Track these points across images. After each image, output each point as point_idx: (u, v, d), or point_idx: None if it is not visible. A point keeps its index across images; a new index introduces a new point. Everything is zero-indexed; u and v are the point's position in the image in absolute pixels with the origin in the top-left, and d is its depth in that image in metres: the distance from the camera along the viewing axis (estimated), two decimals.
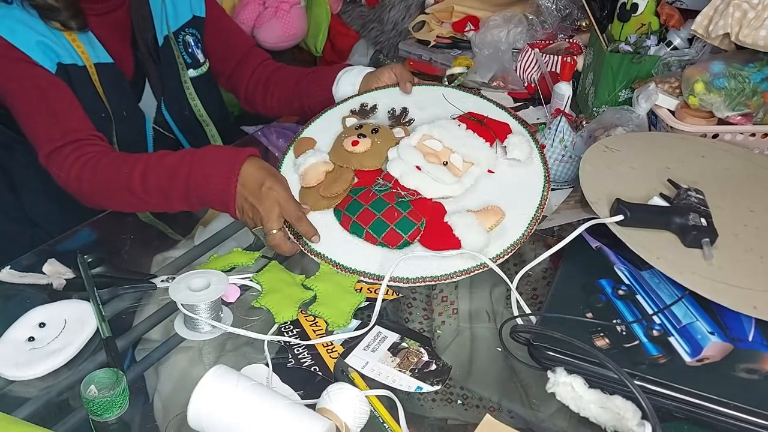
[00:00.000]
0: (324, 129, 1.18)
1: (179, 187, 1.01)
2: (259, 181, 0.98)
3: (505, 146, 1.09)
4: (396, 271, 0.96)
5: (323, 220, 1.04)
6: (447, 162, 1.06)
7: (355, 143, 1.09)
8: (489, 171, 1.08)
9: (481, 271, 0.96)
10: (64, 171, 1.08)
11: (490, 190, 1.06)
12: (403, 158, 1.07)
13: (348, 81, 1.27)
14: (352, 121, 1.17)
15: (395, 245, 1.00)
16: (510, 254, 0.98)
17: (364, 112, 1.19)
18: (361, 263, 0.99)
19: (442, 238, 0.98)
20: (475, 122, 1.12)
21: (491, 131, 1.11)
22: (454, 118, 1.13)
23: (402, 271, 0.96)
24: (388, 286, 0.95)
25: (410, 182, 1.04)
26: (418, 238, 1.00)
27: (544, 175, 1.07)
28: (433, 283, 0.96)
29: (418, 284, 0.96)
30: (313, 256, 1.02)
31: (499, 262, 0.97)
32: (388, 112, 1.18)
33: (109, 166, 1.06)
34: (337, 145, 1.12)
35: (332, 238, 1.02)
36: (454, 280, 0.96)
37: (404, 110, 1.18)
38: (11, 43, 1.08)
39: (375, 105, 1.20)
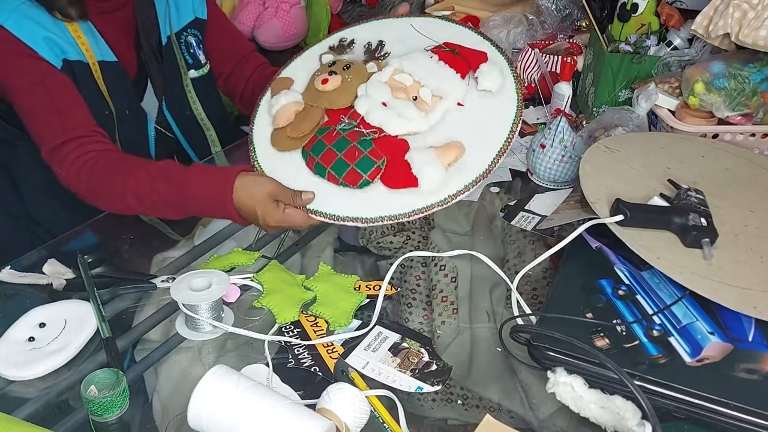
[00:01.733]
0: (302, 67, 1.15)
1: (179, 213, 1.04)
2: (252, 213, 0.98)
3: (476, 77, 1.05)
4: (356, 212, 0.96)
5: (292, 162, 1.03)
6: (417, 97, 1.03)
7: (324, 81, 1.06)
8: (459, 104, 1.04)
9: (440, 208, 0.95)
10: (65, 169, 1.08)
11: (458, 124, 1.02)
12: (370, 95, 1.04)
13: None
14: (328, 58, 1.14)
15: (356, 185, 0.98)
16: (471, 190, 0.96)
17: (341, 47, 1.15)
18: (319, 204, 0.98)
19: (400, 176, 0.97)
20: (447, 52, 1.07)
21: (465, 61, 1.06)
22: (427, 50, 1.09)
23: (362, 212, 0.96)
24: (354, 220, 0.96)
25: (375, 119, 1.01)
26: (378, 176, 0.98)
27: (517, 106, 1.02)
28: (391, 222, 0.95)
29: (377, 224, 0.96)
30: None
31: (460, 198, 0.95)
32: (364, 46, 1.14)
33: (105, 171, 1.06)
34: (310, 83, 1.10)
35: (298, 181, 1.00)
36: (411, 218, 0.95)
37: (380, 44, 1.13)
38: (18, 37, 1.08)
39: (353, 40, 1.16)
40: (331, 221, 0.97)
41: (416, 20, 1.17)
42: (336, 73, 1.07)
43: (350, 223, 0.96)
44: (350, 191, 0.98)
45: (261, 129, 1.10)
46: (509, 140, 0.99)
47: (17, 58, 1.09)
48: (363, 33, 1.16)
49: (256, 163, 1.06)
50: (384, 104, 1.02)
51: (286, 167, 1.02)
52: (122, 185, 1.04)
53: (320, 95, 1.06)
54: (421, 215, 0.95)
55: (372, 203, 0.96)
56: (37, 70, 1.10)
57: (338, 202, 0.98)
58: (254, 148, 1.08)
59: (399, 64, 1.06)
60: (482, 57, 1.07)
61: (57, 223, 1.23)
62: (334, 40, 1.17)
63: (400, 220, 0.95)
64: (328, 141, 1.01)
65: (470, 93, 1.05)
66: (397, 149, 0.99)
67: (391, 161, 0.98)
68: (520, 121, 1.01)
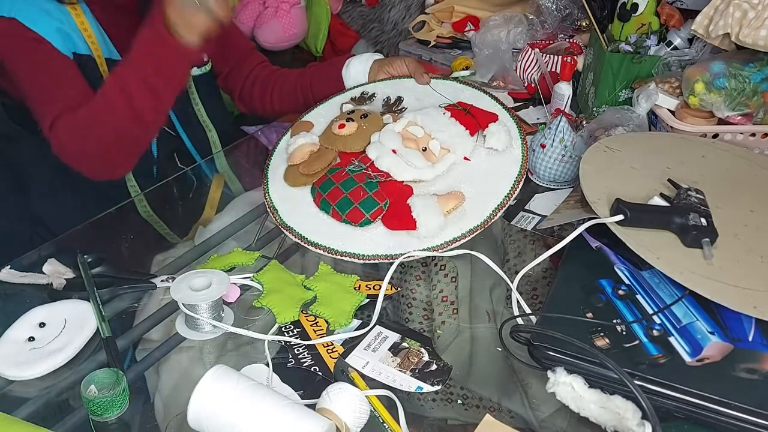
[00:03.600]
0: (324, 114, 1.22)
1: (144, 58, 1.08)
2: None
3: (485, 135, 1.11)
4: (354, 248, 1.00)
5: (301, 196, 1.09)
6: (426, 148, 1.09)
7: (341, 126, 1.13)
8: (465, 158, 1.10)
9: (435, 253, 0.99)
10: (57, 136, 1.09)
11: (462, 176, 1.08)
12: (382, 142, 1.10)
13: (358, 61, 1.30)
14: (349, 107, 1.21)
15: (357, 223, 1.03)
16: (467, 239, 1.00)
17: (362, 99, 1.22)
18: (321, 238, 1.03)
19: (400, 218, 1.01)
20: (459, 110, 1.14)
21: (475, 119, 1.13)
22: (441, 107, 1.16)
23: (360, 248, 1.00)
24: (345, 254, 1.00)
25: (383, 164, 1.07)
26: (380, 217, 1.02)
27: (521, 165, 1.08)
28: (387, 261, 0.99)
29: (372, 261, 1.00)
30: (283, 229, 1.06)
31: (454, 246, 0.99)
32: (383, 99, 1.21)
33: (87, 108, 1.09)
34: (328, 128, 1.16)
35: (304, 214, 1.06)
36: (405, 259, 0.99)
37: (399, 99, 1.21)
38: (32, 29, 1.09)
39: (374, 93, 1.23)
40: (330, 254, 1.01)
41: (436, 82, 1.26)
42: (353, 120, 1.14)
43: (347, 258, 1.00)
44: (351, 228, 1.03)
45: (276, 164, 1.16)
46: (509, 196, 1.04)
47: (28, 42, 1.10)
48: (384, 89, 1.25)
49: (267, 195, 1.11)
50: (394, 151, 1.08)
51: (294, 201, 1.08)
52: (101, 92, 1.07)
53: (336, 138, 1.13)
54: (415, 257, 0.99)
55: (370, 241, 1.01)
56: (49, 55, 1.11)
57: (338, 237, 1.03)
58: (267, 181, 1.14)
59: (413, 117, 1.13)
60: (492, 117, 1.14)
61: (60, 222, 1.23)
62: (356, 92, 1.25)
63: (395, 260, 0.98)
64: (336, 180, 1.07)
65: (478, 149, 1.11)
66: (400, 193, 1.05)
67: (393, 203, 1.03)
68: (522, 180, 1.07)
